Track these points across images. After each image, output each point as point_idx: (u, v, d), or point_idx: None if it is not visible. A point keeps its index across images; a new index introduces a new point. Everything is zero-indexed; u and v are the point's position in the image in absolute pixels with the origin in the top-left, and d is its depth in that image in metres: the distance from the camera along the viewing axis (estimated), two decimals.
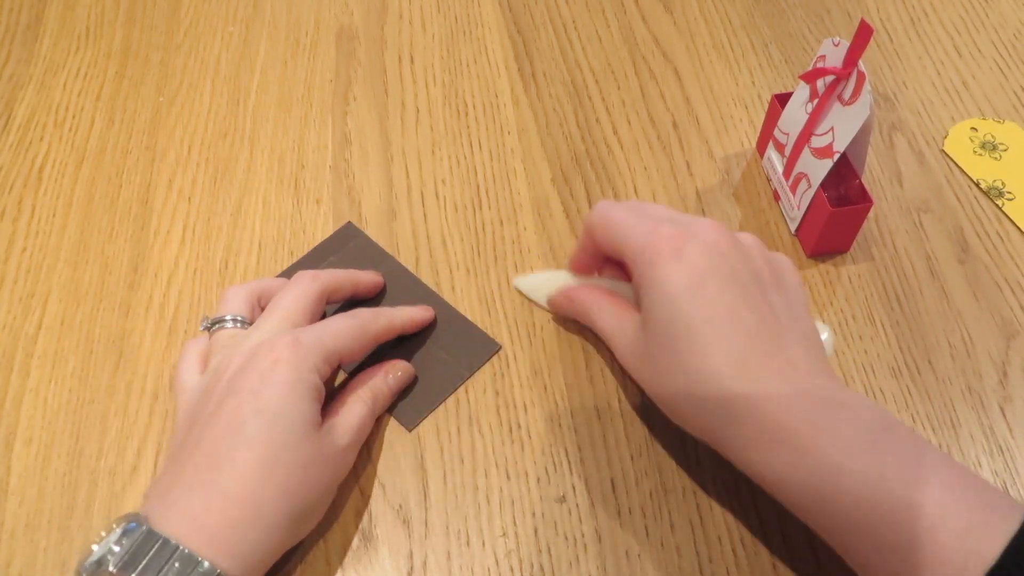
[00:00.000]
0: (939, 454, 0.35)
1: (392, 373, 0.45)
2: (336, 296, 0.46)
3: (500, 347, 0.47)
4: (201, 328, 0.44)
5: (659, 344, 0.39)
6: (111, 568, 0.34)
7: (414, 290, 0.49)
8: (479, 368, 0.46)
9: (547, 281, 0.48)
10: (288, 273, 0.49)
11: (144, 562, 0.34)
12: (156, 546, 0.34)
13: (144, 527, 0.35)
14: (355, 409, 0.42)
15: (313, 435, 0.39)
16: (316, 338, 0.41)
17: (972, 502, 0.33)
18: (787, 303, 0.39)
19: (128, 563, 0.34)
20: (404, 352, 0.47)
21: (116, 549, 0.34)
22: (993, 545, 0.31)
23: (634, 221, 0.41)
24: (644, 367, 0.40)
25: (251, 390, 0.38)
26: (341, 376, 0.46)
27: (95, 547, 0.35)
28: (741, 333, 0.37)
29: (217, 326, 0.43)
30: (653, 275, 0.39)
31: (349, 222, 0.52)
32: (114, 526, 0.35)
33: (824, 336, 0.43)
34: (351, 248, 0.51)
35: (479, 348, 0.47)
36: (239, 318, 0.43)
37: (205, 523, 0.35)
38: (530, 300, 0.49)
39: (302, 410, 0.38)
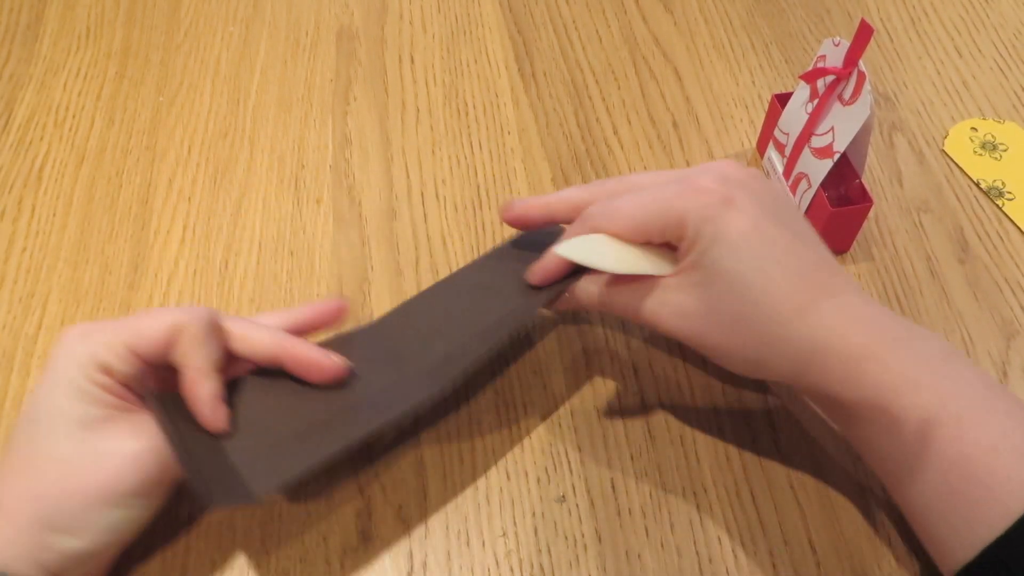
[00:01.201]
0: (997, 385, 0.36)
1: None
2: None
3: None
4: None
5: (726, 297, 0.37)
6: None
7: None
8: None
9: (592, 246, 0.40)
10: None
11: None
12: None
13: None
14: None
15: (77, 434, 0.35)
16: (114, 325, 0.37)
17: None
18: (808, 227, 0.40)
19: None
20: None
21: None
22: None
23: (661, 190, 0.39)
24: (708, 326, 0.38)
25: (30, 390, 0.37)
26: None
27: None
28: (809, 265, 0.37)
29: None
30: (715, 230, 0.37)
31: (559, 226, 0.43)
32: None
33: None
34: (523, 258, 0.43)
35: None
36: None
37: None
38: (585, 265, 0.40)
39: (65, 408, 0.35)
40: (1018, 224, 0.52)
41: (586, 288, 0.41)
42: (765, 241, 0.37)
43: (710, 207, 0.37)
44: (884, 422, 0.35)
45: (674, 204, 0.38)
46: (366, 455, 0.43)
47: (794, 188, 0.50)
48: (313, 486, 0.42)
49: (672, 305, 0.38)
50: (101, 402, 0.36)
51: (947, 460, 0.34)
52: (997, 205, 0.53)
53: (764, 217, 0.37)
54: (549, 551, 0.41)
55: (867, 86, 0.44)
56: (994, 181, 0.54)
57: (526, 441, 0.44)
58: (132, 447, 0.36)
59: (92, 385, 0.36)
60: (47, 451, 0.35)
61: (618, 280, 0.40)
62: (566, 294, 0.42)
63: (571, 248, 0.39)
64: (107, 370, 0.36)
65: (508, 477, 0.43)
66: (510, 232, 0.52)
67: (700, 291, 0.38)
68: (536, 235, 0.45)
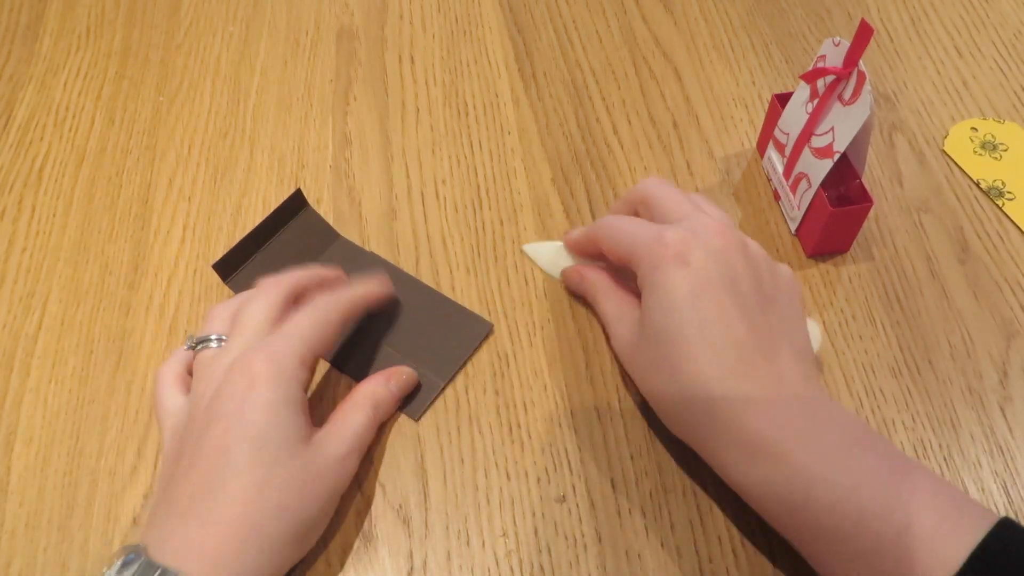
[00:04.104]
0: (913, 464, 0.36)
1: (395, 379, 0.44)
2: (303, 297, 0.44)
3: (492, 326, 0.48)
4: (186, 347, 0.43)
5: (653, 345, 0.39)
6: None
7: (387, 275, 0.49)
8: (475, 348, 0.47)
9: (557, 252, 0.50)
10: (239, 249, 0.48)
11: None
12: None
13: (142, 558, 0.34)
14: (354, 418, 0.41)
15: (303, 450, 0.38)
16: (286, 345, 0.40)
17: (942, 510, 0.33)
18: (783, 316, 0.40)
19: None
20: (395, 341, 0.47)
21: None
22: (959, 551, 0.32)
23: (641, 229, 0.42)
24: (637, 362, 0.41)
25: (233, 414, 0.37)
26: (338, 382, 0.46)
27: None
28: (732, 343, 0.38)
29: (201, 346, 0.42)
30: (655, 279, 0.39)
31: (298, 189, 0.50)
32: (115, 559, 0.35)
33: (814, 334, 0.45)
34: (298, 223, 0.50)
35: (473, 328, 0.47)
36: (223, 337, 0.42)
37: (203, 550, 0.35)
38: (535, 264, 0.50)
39: (287, 427, 0.38)
40: (1018, 224, 0.52)
41: (598, 282, 0.46)
42: (697, 307, 0.38)
43: (663, 259, 0.39)
44: (791, 508, 0.36)
45: (638, 246, 0.41)
46: (366, 455, 0.43)
47: (794, 188, 0.50)
48: None
49: (625, 322, 0.43)
50: (304, 411, 0.39)
51: (858, 550, 0.34)
52: (997, 205, 0.53)
53: (711, 282, 0.38)
54: (549, 551, 0.41)
55: (867, 86, 0.44)
56: (994, 181, 0.54)
57: (526, 441, 0.44)
58: (341, 453, 0.40)
59: (300, 396, 0.39)
60: (284, 469, 0.37)
61: (614, 289, 0.45)
62: (574, 276, 0.48)
63: (531, 249, 0.51)
64: (304, 377, 0.40)
65: (508, 477, 0.43)
66: (510, 232, 0.52)
67: (640, 331, 0.41)
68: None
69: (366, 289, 0.46)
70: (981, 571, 0.31)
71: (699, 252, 0.39)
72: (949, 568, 0.31)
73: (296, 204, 0.50)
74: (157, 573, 0.34)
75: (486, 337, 0.47)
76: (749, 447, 0.36)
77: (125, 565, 0.34)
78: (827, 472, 0.35)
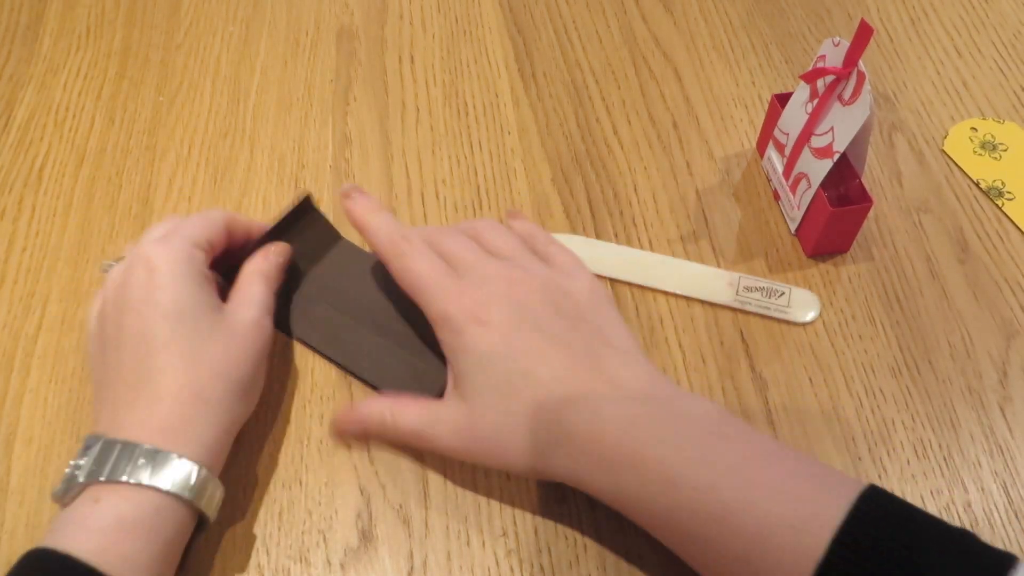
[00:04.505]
0: (769, 446, 0.35)
1: (272, 252, 0.46)
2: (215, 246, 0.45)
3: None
4: (102, 271, 0.45)
5: (482, 403, 0.39)
6: (80, 480, 0.36)
7: (386, 282, 0.48)
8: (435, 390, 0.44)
9: None
10: (245, 252, 0.47)
11: (109, 466, 0.36)
12: (118, 450, 0.36)
13: (101, 439, 0.37)
14: (252, 289, 0.43)
15: (219, 318, 0.41)
16: (178, 235, 0.42)
17: (798, 493, 0.33)
18: (596, 327, 0.40)
19: (94, 471, 0.36)
20: (400, 337, 0.46)
21: (81, 463, 0.36)
22: (821, 534, 0.31)
23: (437, 287, 0.41)
24: (475, 436, 0.39)
25: (142, 300, 0.40)
26: None
27: (65, 472, 0.37)
28: (557, 372, 0.38)
29: (107, 267, 0.45)
30: (463, 343, 0.40)
31: (308, 195, 0.49)
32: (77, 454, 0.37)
33: (810, 302, 0.48)
34: (303, 226, 0.49)
35: (432, 373, 0.44)
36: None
37: (155, 423, 0.37)
38: None
39: (197, 298, 0.40)
40: (1018, 224, 0.52)
41: (375, 410, 0.42)
42: (512, 355, 0.39)
43: (462, 323, 0.40)
44: (658, 514, 0.35)
45: (438, 302, 0.41)
46: (366, 455, 0.43)
47: (794, 188, 0.50)
48: (313, 485, 0.42)
49: (446, 422, 0.40)
50: (210, 285, 0.42)
51: (732, 552, 0.33)
52: (997, 205, 0.53)
53: (516, 329, 0.39)
54: (549, 551, 0.41)
55: (867, 86, 0.44)
56: (994, 181, 0.54)
57: None
58: (254, 315, 0.42)
59: (201, 272, 0.42)
60: (207, 337, 0.40)
61: (402, 402, 0.41)
62: (356, 422, 0.42)
63: None
64: (201, 257, 0.43)
65: (508, 477, 0.43)
66: None
67: (463, 403, 0.40)
68: None
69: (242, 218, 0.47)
70: (846, 554, 0.30)
71: (494, 309, 0.40)
72: (813, 555, 0.31)
73: (305, 210, 0.49)
74: (118, 447, 0.36)
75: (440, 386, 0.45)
76: (607, 459, 0.36)
77: (86, 449, 0.37)
78: (685, 473, 0.34)
